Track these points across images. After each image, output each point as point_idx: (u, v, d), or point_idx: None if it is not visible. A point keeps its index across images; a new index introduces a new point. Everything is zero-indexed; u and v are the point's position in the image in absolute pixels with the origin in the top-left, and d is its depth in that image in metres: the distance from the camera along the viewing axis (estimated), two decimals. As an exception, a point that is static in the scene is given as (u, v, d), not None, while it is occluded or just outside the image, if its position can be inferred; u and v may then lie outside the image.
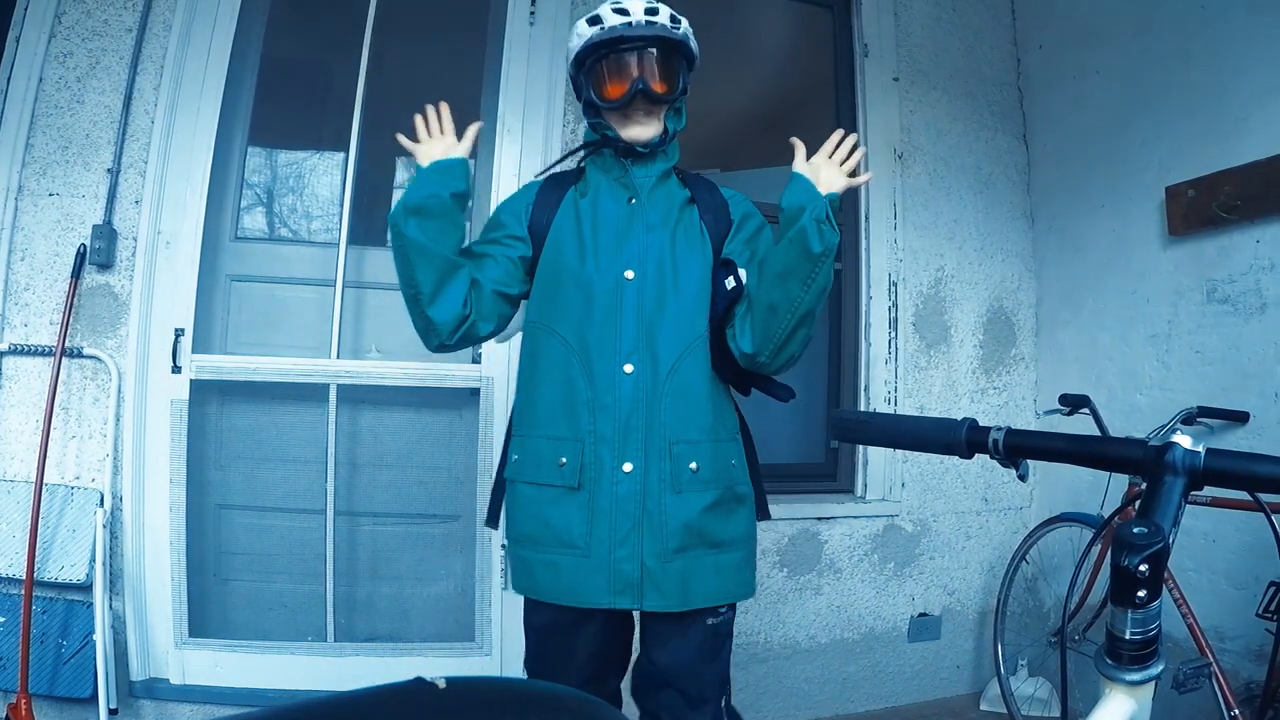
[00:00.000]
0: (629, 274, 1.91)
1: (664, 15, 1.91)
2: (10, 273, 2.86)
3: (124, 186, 2.95)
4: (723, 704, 2.02)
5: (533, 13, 3.32)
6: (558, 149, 3.27)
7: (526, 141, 3.26)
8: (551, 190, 2.04)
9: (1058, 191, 3.88)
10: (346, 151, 3.23)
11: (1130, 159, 3.43)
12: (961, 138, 3.95)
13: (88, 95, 2.95)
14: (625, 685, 2.11)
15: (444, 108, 1.99)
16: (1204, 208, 3.05)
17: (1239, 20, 2.99)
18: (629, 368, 1.88)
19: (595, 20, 1.90)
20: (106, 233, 2.89)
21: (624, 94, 1.90)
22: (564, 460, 1.87)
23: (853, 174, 1.87)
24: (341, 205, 3.23)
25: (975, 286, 3.91)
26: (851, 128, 3.79)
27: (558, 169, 2.12)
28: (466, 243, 1.93)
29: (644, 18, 1.88)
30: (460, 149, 1.93)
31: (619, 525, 1.84)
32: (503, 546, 3.11)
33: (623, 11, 1.89)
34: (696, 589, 1.88)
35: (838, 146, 1.88)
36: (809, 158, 1.87)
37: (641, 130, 1.94)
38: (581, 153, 2.11)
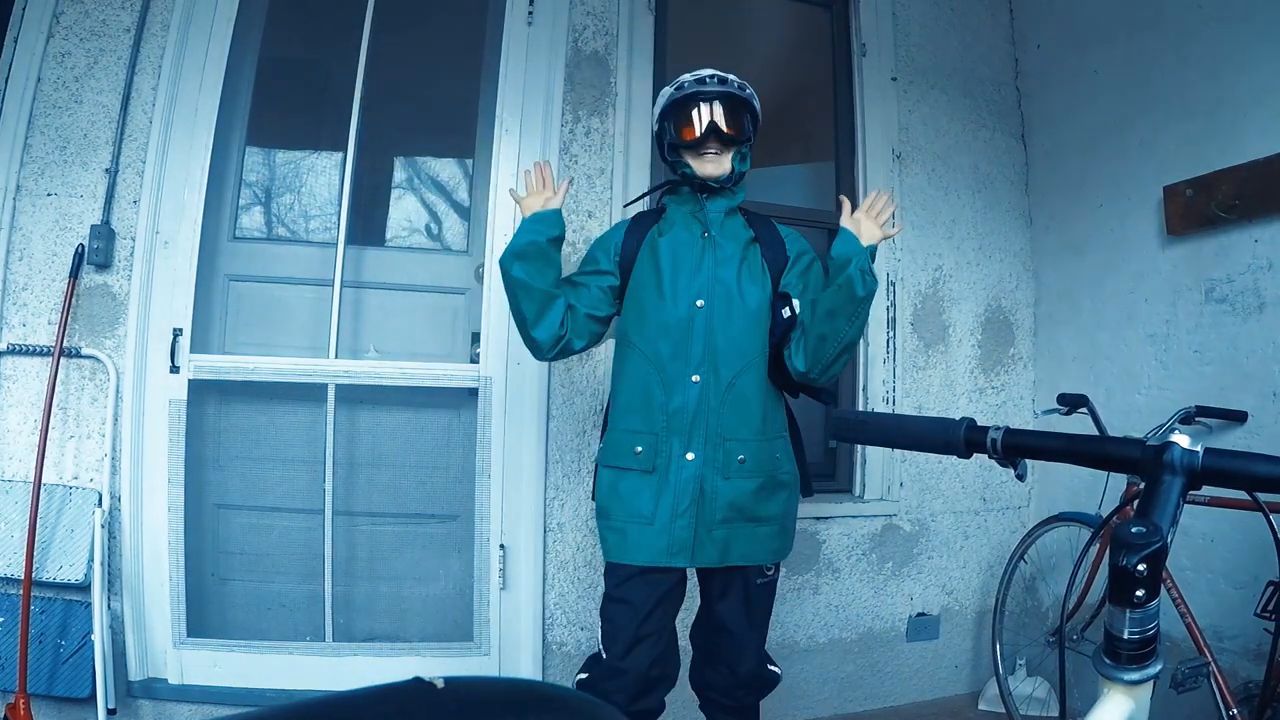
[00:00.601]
0: (700, 302, 2.32)
1: (733, 80, 2.37)
2: (8, 272, 2.86)
3: (122, 186, 2.95)
4: (768, 630, 2.48)
5: (530, 13, 3.31)
6: (556, 148, 3.28)
7: (525, 141, 3.26)
8: (636, 230, 2.46)
9: (1056, 191, 3.88)
10: (344, 151, 3.23)
11: (1128, 158, 3.44)
12: (959, 137, 3.95)
13: (86, 95, 2.95)
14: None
15: (547, 166, 2.42)
16: (1202, 207, 3.05)
17: (1237, 20, 2.99)
18: (696, 378, 2.29)
19: (678, 85, 2.38)
20: (105, 232, 2.89)
21: (700, 133, 2.33)
22: (639, 449, 2.30)
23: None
24: (339, 205, 3.23)
25: (973, 286, 3.91)
26: (850, 127, 3.81)
27: (642, 207, 2.59)
28: (564, 274, 2.38)
29: (716, 78, 2.35)
30: (555, 201, 2.36)
31: (680, 501, 2.26)
32: (501, 546, 3.12)
33: (699, 78, 2.35)
34: (733, 551, 2.30)
35: (871, 204, 2.29)
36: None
37: (714, 167, 2.35)
38: (663, 189, 2.52)
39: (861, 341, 3.68)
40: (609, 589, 2.38)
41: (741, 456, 2.29)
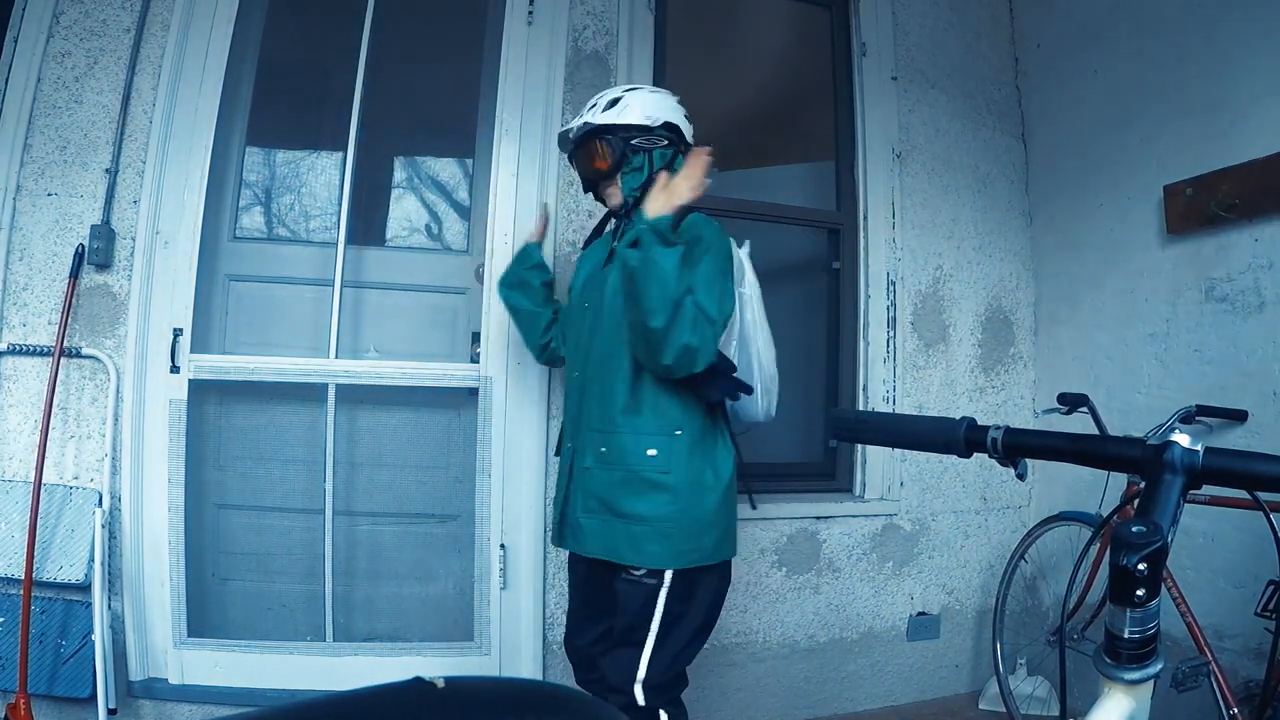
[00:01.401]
0: (586, 304, 2.48)
1: (597, 108, 2.47)
2: (9, 272, 2.86)
3: (122, 186, 2.95)
4: (646, 650, 2.24)
5: (531, 13, 3.32)
6: (556, 148, 3.28)
7: (525, 141, 3.26)
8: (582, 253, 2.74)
9: (1056, 190, 3.89)
10: (345, 151, 3.23)
11: (1128, 158, 3.44)
12: (960, 137, 3.95)
13: (86, 95, 2.95)
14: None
15: (544, 212, 2.98)
16: (1202, 206, 3.05)
17: (1236, 19, 2.99)
18: (576, 373, 2.47)
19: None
20: (105, 233, 2.89)
21: (585, 183, 2.58)
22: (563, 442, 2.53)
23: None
24: (340, 205, 3.23)
25: (974, 285, 3.91)
26: (850, 127, 3.82)
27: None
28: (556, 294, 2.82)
29: (578, 122, 2.49)
30: (534, 237, 2.90)
31: (559, 486, 2.47)
32: (502, 546, 3.12)
33: (565, 131, 2.56)
34: (598, 544, 2.31)
35: (684, 170, 2.29)
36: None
37: (612, 200, 2.50)
38: (603, 224, 2.69)
39: (861, 341, 3.70)
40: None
41: (603, 448, 2.30)
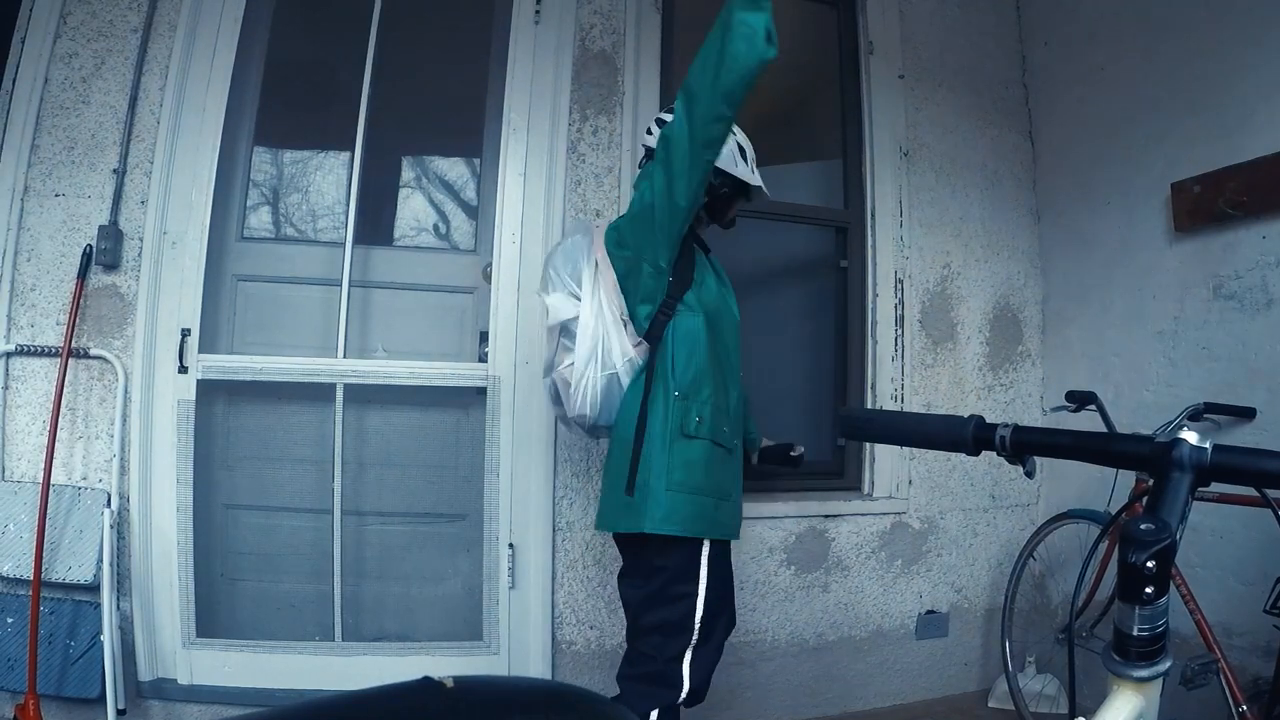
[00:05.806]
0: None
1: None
2: (17, 273, 2.87)
3: (130, 187, 2.96)
4: None
5: (538, 12, 3.31)
6: (564, 147, 3.29)
7: (532, 140, 3.26)
8: None
9: (1064, 188, 3.87)
10: (352, 151, 3.23)
11: (1136, 155, 3.42)
12: (967, 135, 3.94)
13: (93, 96, 2.96)
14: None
15: None
16: (1210, 204, 3.04)
17: (1244, 17, 2.98)
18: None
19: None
20: (112, 233, 2.90)
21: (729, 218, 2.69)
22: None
23: None
24: (347, 205, 3.23)
25: (982, 284, 3.90)
26: (857, 125, 3.81)
27: None
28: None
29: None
30: None
31: (739, 477, 2.49)
32: (510, 545, 3.12)
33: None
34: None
35: None
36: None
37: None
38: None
39: (870, 340, 3.70)
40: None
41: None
